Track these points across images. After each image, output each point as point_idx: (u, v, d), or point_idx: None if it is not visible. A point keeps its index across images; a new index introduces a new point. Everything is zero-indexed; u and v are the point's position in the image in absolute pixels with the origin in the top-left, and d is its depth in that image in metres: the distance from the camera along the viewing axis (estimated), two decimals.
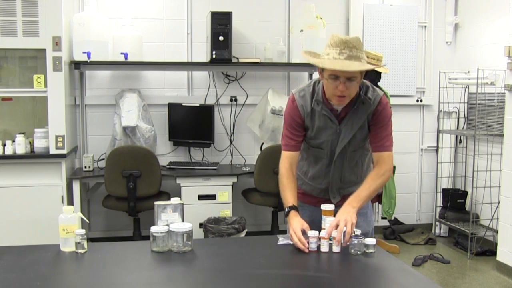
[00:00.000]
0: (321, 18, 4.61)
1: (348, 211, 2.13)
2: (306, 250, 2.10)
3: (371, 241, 2.10)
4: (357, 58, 2.06)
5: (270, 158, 4.16)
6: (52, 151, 4.09)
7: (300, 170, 2.46)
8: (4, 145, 4.10)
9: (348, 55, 2.05)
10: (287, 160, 2.36)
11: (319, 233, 2.13)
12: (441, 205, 5.17)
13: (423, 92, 5.33)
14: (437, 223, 5.24)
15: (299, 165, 2.45)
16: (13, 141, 4.11)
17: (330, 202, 2.36)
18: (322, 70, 2.16)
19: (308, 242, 2.10)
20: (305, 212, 2.45)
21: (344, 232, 2.08)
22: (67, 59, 4.26)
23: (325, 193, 2.40)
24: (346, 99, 2.17)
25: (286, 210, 2.26)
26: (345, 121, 2.25)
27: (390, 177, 4.47)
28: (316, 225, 2.41)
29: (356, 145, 2.30)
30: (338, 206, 2.31)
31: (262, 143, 4.83)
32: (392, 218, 4.88)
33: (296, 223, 2.17)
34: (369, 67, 2.10)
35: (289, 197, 2.29)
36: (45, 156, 4.11)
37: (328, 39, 2.14)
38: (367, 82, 2.29)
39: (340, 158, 2.32)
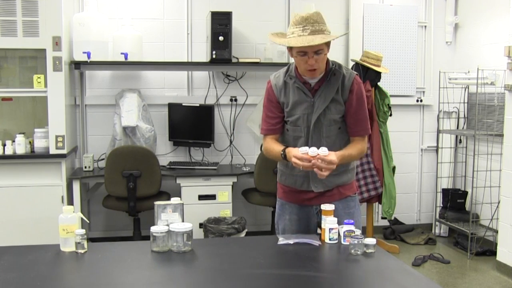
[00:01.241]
0: None
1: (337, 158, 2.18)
2: (313, 165, 2.15)
3: (371, 241, 2.10)
4: (321, 32, 2.19)
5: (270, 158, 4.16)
6: (52, 151, 4.09)
7: (282, 164, 2.48)
8: (4, 145, 4.11)
9: (311, 30, 2.18)
10: (266, 140, 2.46)
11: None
12: (441, 205, 5.17)
13: (423, 92, 5.33)
14: (437, 223, 5.24)
15: None
16: (13, 141, 4.11)
17: (314, 194, 2.36)
18: (290, 49, 2.28)
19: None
20: (292, 211, 2.47)
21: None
22: (67, 59, 4.26)
23: (308, 183, 2.40)
24: (318, 72, 2.28)
25: (282, 154, 2.30)
26: (318, 93, 2.33)
27: (390, 176, 4.51)
28: (304, 223, 2.44)
29: (331, 119, 2.33)
30: (323, 199, 2.34)
31: (262, 143, 4.82)
32: (392, 218, 4.88)
33: (294, 151, 2.22)
34: (332, 37, 2.20)
35: (278, 147, 2.36)
36: (45, 156, 4.11)
37: (291, 19, 2.28)
38: (341, 63, 2.39)
39: (316, 133, 2.34)
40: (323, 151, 2.16)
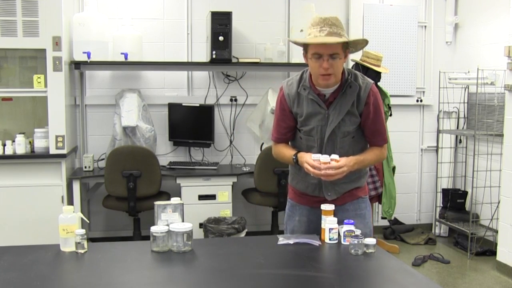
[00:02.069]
0: None
1: (349, 164, 2.20)
2: (324, 174, 2.16)
3: (371, 241, 2.10)
4: (338, 35, 2.15)
5: (270, 158, 4.11)
6: (52, 151, 4.09)
7: (294, 167, 2.46)
8: (4, 145, 4.10)
9: (328, 31, 2.14)
10: (277, 145, 2.46)
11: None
12: (441, 205, 5.17)
13: (423, 92, 5.33)
14: (437, 223, 5.24)
15: None
16: (13, 141, 4.11)
17: (326, 201, 2.35)
18: (306, 53, 2.23)
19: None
20: (302, 212, 2.46)
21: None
22: (67, 59, 4.26)
23: (320, 190, 2.38)
24: (332, 78, 2.20)
25: (294, 159, 2.30)
26: (333, 105, 2.28)
27: (390, 177, 4.51)
28: (313, 225, 2.42)
29: (345, 131, 2.30)
30: (335, 201, 2.34)
31: (262, 143, 4.83)
32: (392, 218, 4.88)
33: (307, 157, 2.22)
34: (347, 39, 2.17)
35: (289, 152, 2.37)
36: (45, 156, 4.11)
37: (310, 21, 2.23)
38: (357, 72, 2.34)
39: (330, 144, 2.32)
40: (335, 157, 2.18)
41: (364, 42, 2.24)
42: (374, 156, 2.36)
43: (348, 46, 2.23)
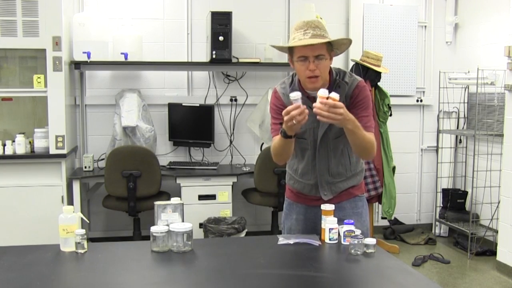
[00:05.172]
0: (321, 18, 4.61)
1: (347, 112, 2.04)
2: (301, 108, 2.01)
3: (371, 241, 2.10)
4: (321, 36, 2.14)
5: (270, 158, 4.07)
6: (52, 151, 4.09)
7: (291, 169, 2.47)
8: (4, 145, 4.11)
9: (312, 34, 2.13)
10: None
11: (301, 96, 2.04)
12: (441, 205, 5.17)
13: (423, 92, 5.33)
14: (437, 223, 5.24)
15: (289, 163, 2.47)
16: (13, 141, 4.11)
17: (323, 201, 2.35)
18: (292, 57, 2.22)
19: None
20: (299, 210, 2.46)
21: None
22: (67, 59, 4.26)
23: (316, 190, 2.38)
24: (319, 81, 2.18)
25: (282, 132, 2.14)
26: None
27: (390, 177, 4.51)
28: (311, 223, 2.43)
29: (337, 131, 2.28)
30: (332, 200, 2.33)
31: (262, 143, 4.83)
32: (392, 218, 4.88)
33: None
34: (332, 39, 2.16)
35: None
36: (45, 156, 4.11)
37: (293, 26, 2.22)
38: (345, 70, 2.34)
39: (323, 146, 2.31)
40: (334, 95, 2.01)
41: (348, 42, 2.24)
42: (367, 134, 2.19)
43: (333, 48, 2.23)
